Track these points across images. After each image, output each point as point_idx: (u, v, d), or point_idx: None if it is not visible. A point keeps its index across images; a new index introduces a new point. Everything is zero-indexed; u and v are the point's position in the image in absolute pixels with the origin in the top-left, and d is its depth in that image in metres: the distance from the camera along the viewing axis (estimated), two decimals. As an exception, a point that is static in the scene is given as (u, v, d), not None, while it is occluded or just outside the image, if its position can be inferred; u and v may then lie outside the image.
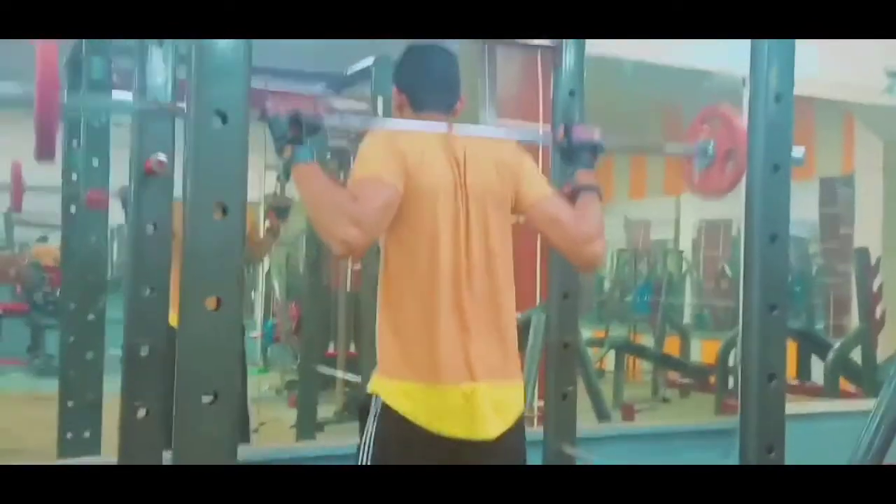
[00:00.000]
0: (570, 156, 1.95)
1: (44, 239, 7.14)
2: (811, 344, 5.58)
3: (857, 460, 2.31)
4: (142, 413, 1.80)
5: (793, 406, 3.91)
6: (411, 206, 1.79)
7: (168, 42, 1.81)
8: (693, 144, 1.95)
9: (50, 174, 3.41)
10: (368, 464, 1.81)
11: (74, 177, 3.33)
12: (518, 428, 1.86)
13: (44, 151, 1.37)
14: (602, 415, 4.17)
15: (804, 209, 9.07)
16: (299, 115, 1.64)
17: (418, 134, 1.86)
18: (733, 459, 1.74)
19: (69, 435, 3.10)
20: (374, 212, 1.70)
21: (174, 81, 1.83)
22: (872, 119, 5.86)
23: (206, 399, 1.24)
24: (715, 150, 1.91)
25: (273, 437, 4.15)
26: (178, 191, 1.81)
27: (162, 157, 1.78)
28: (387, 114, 3.42)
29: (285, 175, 1.64)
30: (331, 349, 5.55)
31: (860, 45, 3.28)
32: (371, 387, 1.85)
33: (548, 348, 2.27)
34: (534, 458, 2.17)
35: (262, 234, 3.70)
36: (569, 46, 2.25)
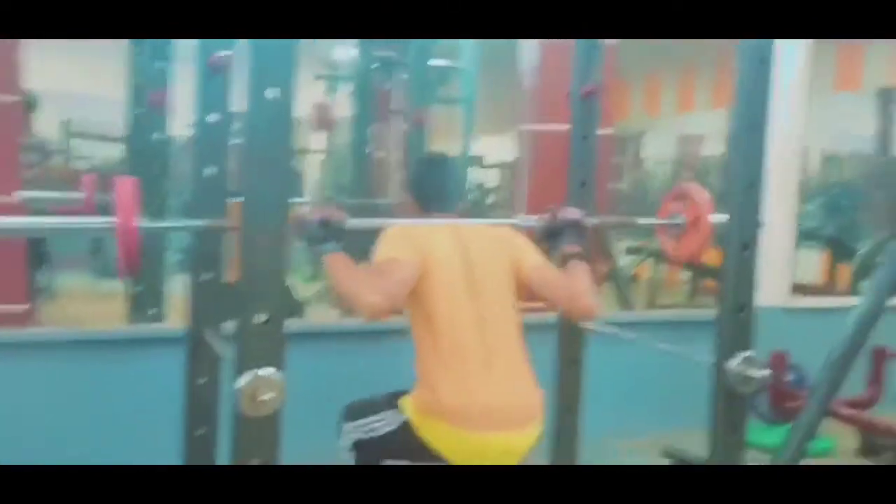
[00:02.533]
0: (557, 235, 2.20)
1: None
2: (841, 250, 5.72)
3: (842, 338, 2.54)
4: (206, 276, 2.11)
5: (818, 301, 4.11)
6: (428, 280, 2.06)
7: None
8: (666, 217, 2.22)
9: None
10: (374, 437, 2.12)
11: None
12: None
13: (129, 272, 1.69)
14: (625, 305, 4.45)
15: (862, 123, 9.00)
16: (327, 220, 1.93)
17: (428, 226, 2.17)
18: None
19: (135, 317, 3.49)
20: (393, 284, 1.97)
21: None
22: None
23: (261, 319, 1.54)
24: (685, 221, 2.16)
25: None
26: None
27: (226, 53, 2.05)
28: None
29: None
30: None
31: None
32: (405, 405, 2.09)
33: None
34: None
35: None
36: None
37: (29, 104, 5.09)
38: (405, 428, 2.08)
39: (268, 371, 1.51)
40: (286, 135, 1.55)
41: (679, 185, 2.23)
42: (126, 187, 1.67)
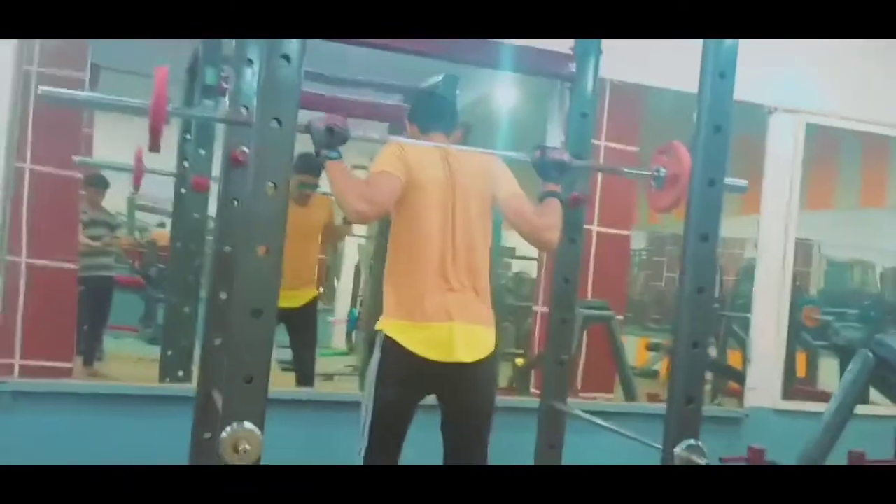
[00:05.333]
0: (542, 171, 2.52)
1: (161, 225, 7.88)
2: (846, 356, 5.79)
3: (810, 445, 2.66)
4: (217, 342, 2.35)
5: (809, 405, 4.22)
6: (412, 195, 2.45)
7: (257, 60, 2.35)
8: (649, 170, 2.37)
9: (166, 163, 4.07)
10: (375, 377, 2.45)
11: (186, 164, 3.96)
12: (491, 359, 2.51)
13: (153, 146, 1.96)
14: (629, 395, 4.57)
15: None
16: (332, 127, 2.22)
17: (422, 147, 2.53)
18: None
19: (167, 380, 3.74)
20: (381, 194, 2.39)
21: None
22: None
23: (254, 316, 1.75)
24: (665, 175, 2.30)
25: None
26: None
27: (245, 149, 2.33)
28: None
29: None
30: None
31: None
32: (378, 325, 2.51)
33: (549, 323, 2.70)
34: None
35: (339, 221, 4.29)
36: (584, 72, 2.67)
37: (99, 183, 5.53)
38: (387, 347, 2.44)
39: (248, 425, 1.72)
40: (281, 224, 1.79)
41: (670, 142, 2.27)
42: (161, 74, 1.89)
